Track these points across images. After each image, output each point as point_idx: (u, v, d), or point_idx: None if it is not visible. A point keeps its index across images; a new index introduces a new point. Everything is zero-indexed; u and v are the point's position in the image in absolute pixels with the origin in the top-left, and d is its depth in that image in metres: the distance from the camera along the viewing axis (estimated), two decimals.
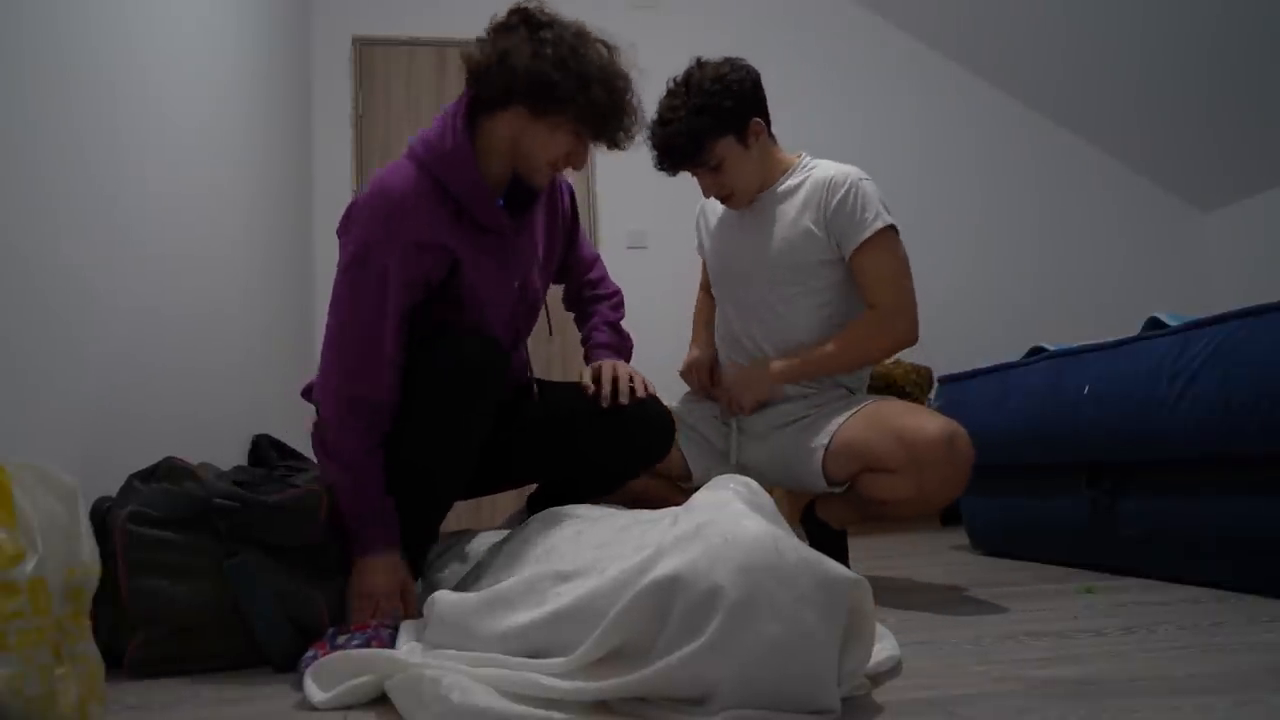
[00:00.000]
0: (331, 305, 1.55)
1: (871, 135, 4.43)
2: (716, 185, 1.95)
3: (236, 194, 2.61)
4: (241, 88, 2.74)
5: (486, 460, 1.68)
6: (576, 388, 1.78)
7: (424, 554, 1.67)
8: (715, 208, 2.12)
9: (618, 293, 2.01)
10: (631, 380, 1.75)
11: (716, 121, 1.86)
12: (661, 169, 1.95)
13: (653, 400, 1.78)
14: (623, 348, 1.91)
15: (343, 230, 1.56)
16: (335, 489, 1.51)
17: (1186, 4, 3.60)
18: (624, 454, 1.80)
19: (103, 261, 1.67)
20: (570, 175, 1.90)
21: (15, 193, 1.37)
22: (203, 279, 2.24)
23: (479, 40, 1.57)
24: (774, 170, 1.98)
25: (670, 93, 1.90)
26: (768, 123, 1.96)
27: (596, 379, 1.76)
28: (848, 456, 1.82)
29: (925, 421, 1.74)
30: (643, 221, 4.25)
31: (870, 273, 1.88)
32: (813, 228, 1.90)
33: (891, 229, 1.88)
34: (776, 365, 1.92)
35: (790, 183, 1.96)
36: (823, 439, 1.85)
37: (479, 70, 1.55)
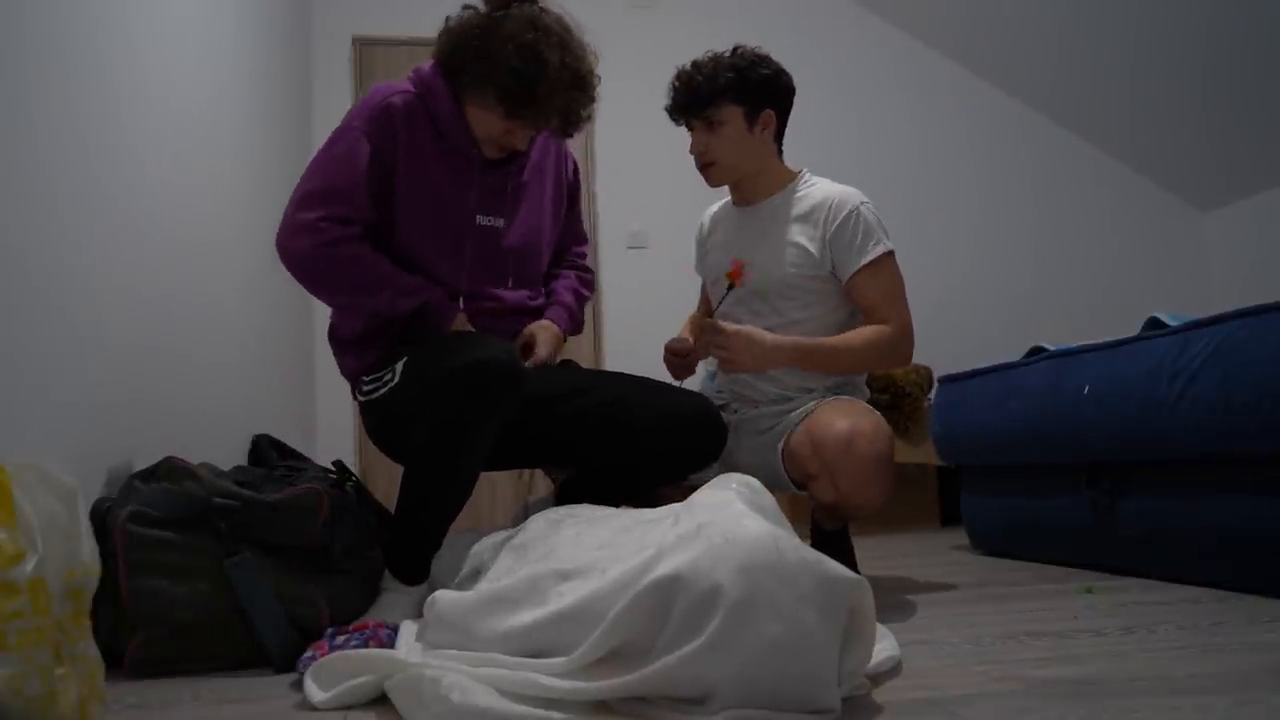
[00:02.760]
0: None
1: (870, 135, 4.43)
2: (704, 146, 1.94)
3: (237, 194, 2.61)
4: (241, 87, 2.74)
5: (526, 437, 1.70)
6: (626, 378, 1.84)
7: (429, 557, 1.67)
8: (714, 217, 2.13)
9: (591, 272, 2.06)
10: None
11: (739, 85, 1.90)
12: (670, 113, 1.97)
13: (711, 406, 1.81)
14: (575, 320, 1.93)
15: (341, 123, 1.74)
16: (380, 278, 1.61)
17: (1185, 3, 3.60)
18: (676, 455, 1.79)
19: (103, 262, 1.66)
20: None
21: (16, 193, 1.37)
22: (203, 279, 2.24)
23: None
24: (767, 178, 1.98)
25: (716, 52, 1.94)
26: (781, 129, 1.99)
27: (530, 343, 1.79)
28: (792, 460, 1.83)
29: (836, 420, 1.74)
30: (643, 221, 4.25)
31: (876, 292, 1.88)
32: (808, 245, 1.90)
33: (891, 254, 1.89)
34: (772, 342, 1.84)
35: (789, 197, 1.96)
36: (781, 443, 1.86)
37: (437, 41, 1.70)
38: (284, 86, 3.43)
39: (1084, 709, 0.96)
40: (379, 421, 1.75)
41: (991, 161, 4.56)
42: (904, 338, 1.88)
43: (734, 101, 1.90)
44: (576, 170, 1.99)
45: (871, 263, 1.87)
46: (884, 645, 1.20)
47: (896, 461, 1.80)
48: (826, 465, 1.72)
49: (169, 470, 1.54)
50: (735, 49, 1.95)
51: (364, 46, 4.15)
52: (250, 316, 2.72)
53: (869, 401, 1.98)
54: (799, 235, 1.91)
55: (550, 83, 1.59)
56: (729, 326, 1.80)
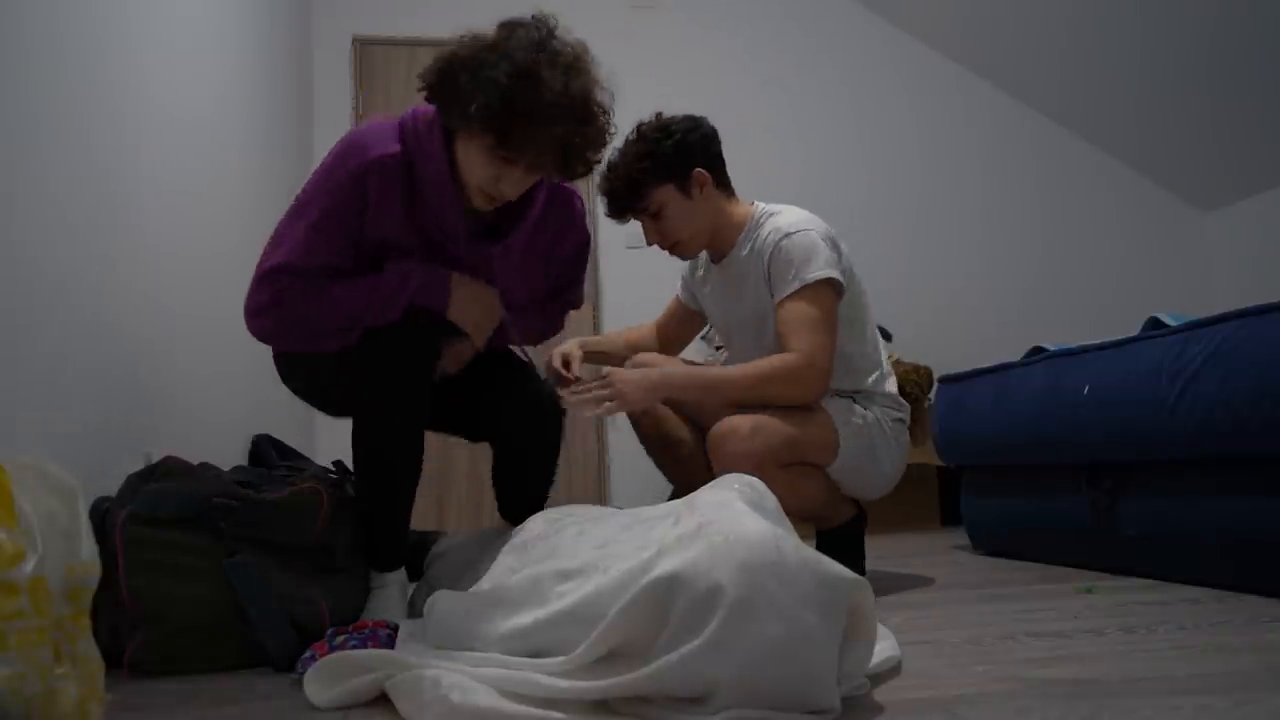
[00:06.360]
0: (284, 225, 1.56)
1: (872, 136, 4.43)
2: (658, 234, 1.95)
3: (237, 194, 2.61)
4: (242, 88, 2.74)
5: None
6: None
7: (402, 545, 1.68)
8: (699, 266, 2.14)
9: (565, 313, 1.94)
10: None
11: (656, 167, 1.88)
12: (609, 216, 1.97)
13: (544, 394, 1.79)
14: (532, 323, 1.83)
15: (316, 172, 1.56)
16: (358, 311, 1.50)
17: (1187, 3, 3.60)
18: (520, 447, 1.81)
19: (103, 261, 1.66)
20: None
21: (17, 193, 1.37)
22: (203, 279, 2.24)
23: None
24: (730, 228, 1.97)
25: (625, 140, 1.90)
26: (717, 175, 1.96)
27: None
28: None
29: (727, 418, 1.77)
30: None
31: (787, 320, 1.82)
32: (767, 293, 1.90)
33: (820, 284, 1.81)
34: (659, 376, 1.81)
35: (746, 249, 1.95)
36: None
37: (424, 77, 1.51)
38: (284, 86, 3.43)
39: (1084, 709, 0.96)
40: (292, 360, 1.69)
41: (993, 162, 4.56)
42: (804, 366, 1.77)
43: (660, 183, 1.89)
44: (584, 245, 1.83)
45: (789, 295, 1.83)
46: (884, 645, 1.20)
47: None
48: (715, 462, 1.77)
49: (168, 470, 1.54)
50: (638, 129, 1.91)
51: (364, 46, 4.15)
52: None
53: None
54: (760, 288, 1.90)
55: (546, 108, 1.39)
56: (614, 372, 1.77)
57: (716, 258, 2.03)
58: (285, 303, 1.51)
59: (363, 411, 1.58)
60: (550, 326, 1.90)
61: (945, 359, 3.45)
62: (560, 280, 1.85)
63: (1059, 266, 4.49)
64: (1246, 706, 0.95)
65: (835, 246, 1.89)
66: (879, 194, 4.38)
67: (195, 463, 1.62)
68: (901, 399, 2.03)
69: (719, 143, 1.98)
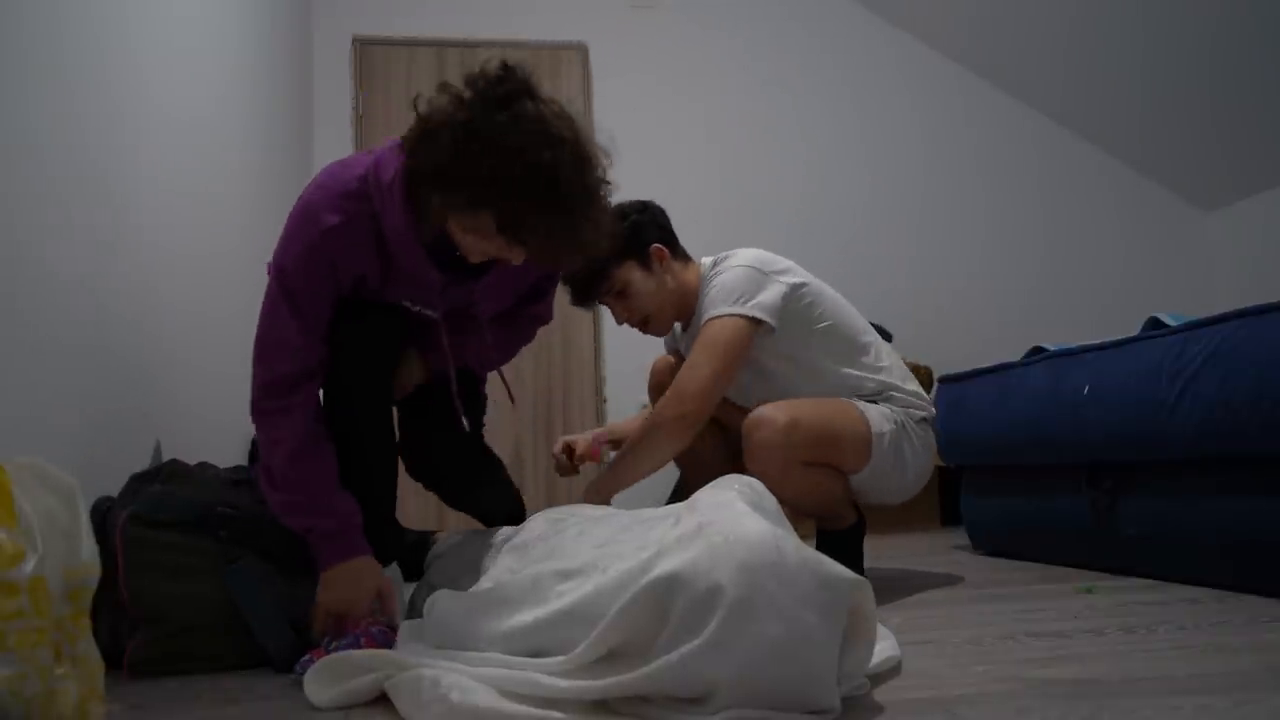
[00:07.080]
0: (259, 320, 1.53)
1: (873, 136, 4.43)
2: (627, 311, 1.97)
3: (237, 194, 2.61)
4: (242, 88, 2.74)
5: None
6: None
7: (390, 544, 1.68)
8: (676, 341, 2.14)
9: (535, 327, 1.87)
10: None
11: (614, 248, 1.88)
12: (576, 304, 1.99)
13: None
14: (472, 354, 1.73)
15: (280, 241, 1.49)
16: (271, 487, 1.45)
17: (1188, 3, 3.60)
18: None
19: (103, 261, 1.66)
20: None
21: (15, 193, 1.37)
22: (203, 279, 2.24)
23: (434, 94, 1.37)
24: (690, 294, 1.98)
25: None
26: (673, 248, 1.98)
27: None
28: None
29: (763, 407, 1.77)
30: None
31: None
32: None
33: (721, 318, 1.81)
34: (586, 489, 1.81)
35: (699, 309, 1.93)
36: None
37: (411, 145, 1.37)
38: (284, 86, 3.43)
39: (1084, 709, 0.96)
40: None
41: (994, 162, 4.56)
42: (675, 399, 1.75)
43: (620, 261, 1.91)
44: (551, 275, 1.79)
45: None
46: (884, 645, 1.20)
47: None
48: (744, 449, 1.78)
49: (172, 472, 1.55)
50: None
51: (364, 46, 4.15)
52: (250, 316, 2.71)
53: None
54: None
55: (568, 210, 1.31)
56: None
57: (685, 326, 2.05)
58: (257, 427, 1.50)
59: (331, 398, 1.58)
60: (511, 346, 1.82)
61: (945, 359, 3.46)
62: (529, 294, 1.77)
63: (1060, 266, 4.49)
64: (1246, 706, 0.95)
65: (765, 277, 1.86)
66: (880, 194, 4.38)
67: (194, 462, 1.63)
68: (926, 396, 2.02)
69: (667, 217, 2.01)
